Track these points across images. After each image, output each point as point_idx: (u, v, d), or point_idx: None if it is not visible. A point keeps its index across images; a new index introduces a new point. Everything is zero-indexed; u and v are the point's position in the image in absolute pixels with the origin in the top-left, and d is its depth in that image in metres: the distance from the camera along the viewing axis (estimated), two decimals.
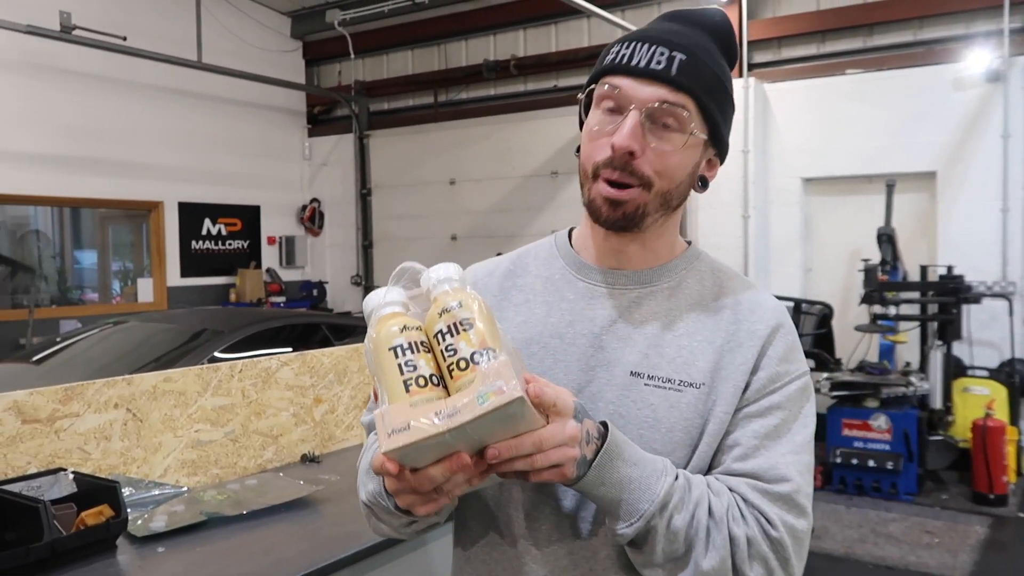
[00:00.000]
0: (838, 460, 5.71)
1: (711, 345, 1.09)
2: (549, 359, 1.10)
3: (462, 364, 0.83)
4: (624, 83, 1.05)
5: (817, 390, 5.94)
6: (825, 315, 5.96)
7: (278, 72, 9.35)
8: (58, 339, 5.55)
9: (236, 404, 2.53)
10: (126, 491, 2.13)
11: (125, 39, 7.46)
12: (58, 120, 7.68)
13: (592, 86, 1.10)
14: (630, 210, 1.07)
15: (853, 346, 6.24)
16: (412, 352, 0.85)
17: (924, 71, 6.63)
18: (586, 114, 1.12)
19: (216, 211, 9.32)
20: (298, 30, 9.91)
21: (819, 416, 6.40)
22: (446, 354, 0.85)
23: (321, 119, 10.26)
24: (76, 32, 6.98)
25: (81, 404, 2.12)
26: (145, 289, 8.91)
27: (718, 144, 1.11)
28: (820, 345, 6.00)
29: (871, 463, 5.60)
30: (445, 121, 9.19)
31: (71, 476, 1.99)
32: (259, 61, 9.18)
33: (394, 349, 0.85)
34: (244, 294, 9.28)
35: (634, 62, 1.05)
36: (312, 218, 10.21)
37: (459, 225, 8.97)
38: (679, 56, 1.04)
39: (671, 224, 1.15)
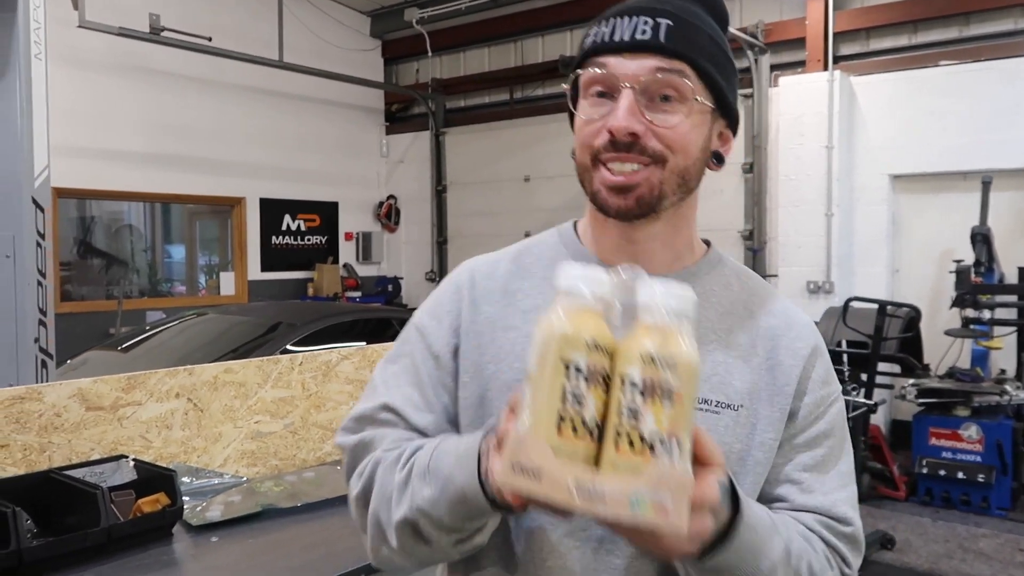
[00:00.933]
0: (924, 471, 5.44)
1: (747, 363, 1.00)
2: None
3: (635, 441, 0.66)
4: (610, 61, 0.94)
5: (902, 397, 5.69)
6: (912, 318, 5.67)
7: (357, 71, 9.49)
8: (147, 327, 5.78)
9: (296, 396, 2.55)
10: (185, 479, 2.16)
11: (211, 39, 7.69)
12: (148, 119, 7.97)
13: (577, 75, 1.00)
14: (644, 192, 0.94)
15: (943, 352, 5.93)
16: (586, 382, 0.68)
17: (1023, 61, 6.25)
18: (575, 108, 1.01)
19: (296, 207, 9.53)
20: (377, 29, 10.04)
21: (904, 424, 6.14)
22: (623, 413, 0.67)
23: (399, 117, 10.38)
24: (164, 34, 7.23)
25: (143, 393, 2.16)
26: (227, 282, 9.18)
27: (727, 113, 1.00)
28: (906, 350, 5.72)
29: (960, 475, 5.31)
30: (520, 118, 9.17)
31: (132, 463, 2.02)
32: (339, 60, 9.33)
33: (569, 365, 0.68)
34: (321, 289, 9.47)
35: (617, 37, 0.94)
36: (388, 214, 10.34)
37: (532, 222, 8.92)
38: (665, 22, 0.93)
39: (689, 214, 1.04)
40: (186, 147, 8.30)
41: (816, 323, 4.97)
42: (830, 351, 5.60)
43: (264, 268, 9.32)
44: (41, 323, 3.11)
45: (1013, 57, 6.31)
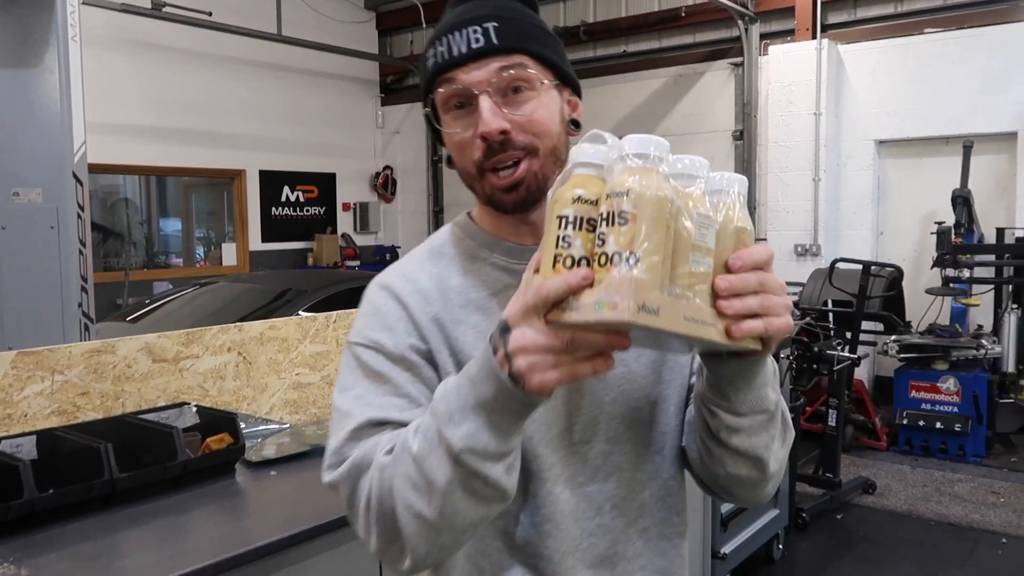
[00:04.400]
0: (904, 422, 5.75)
1: None
2: None
3: (602, 260, 0.78)
4: (458, 75, 1.03)
5: (885, 352, 5.98)
6: (895, 278, 5.94)
7: (352, 43, 9.61)
8: (147, 300, 5.95)
9: (331, 351, 2.79)
10: (240, 424, 2.40)
11: (210, 15, 7.80)
12: (147, 93, 8.08)
13: (431, 100, 1.08)
14: (531, 183, 1.04)
15: (924, 310, 6.22)
16: (574, 228, 0.81)
17: (1007, 29, 6.47)
18: (436, 132, 1.10)
19: (294, 179, 9.69)
20: (372, 1, 10.14)
21: (887, 379, 6.44)
22: (596, 241, 0.80)
23: (394, 88, 10.50)
24: (166, 9, 7.34)
25: (200, 347, 2.40)
26: (229, 253, 9.36)
27: (568, 82, 1.10)
28: (889, 308, 6.00)
29: (938, 425, 5.62)
30: None
31: (194, 409, 2.26)
32: (334, 32, 9.44)
33: (561, 218, 0.82)
34: (321, 258, 9.66)
35: (455, 52, 1.03)
36: (385, 185, 10.51)
37: None
38: (491, 25, 1.03)
39: None
40: (186, 121, 8.43)
41: (803, 285, 5.28)
42: (816, 310, 5.84)
43: (264, 239, 9.50)
44: (83, 289, 3.33)
45: (996, 24, 6.52)
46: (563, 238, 0.81)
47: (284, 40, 8.37)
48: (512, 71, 1.02)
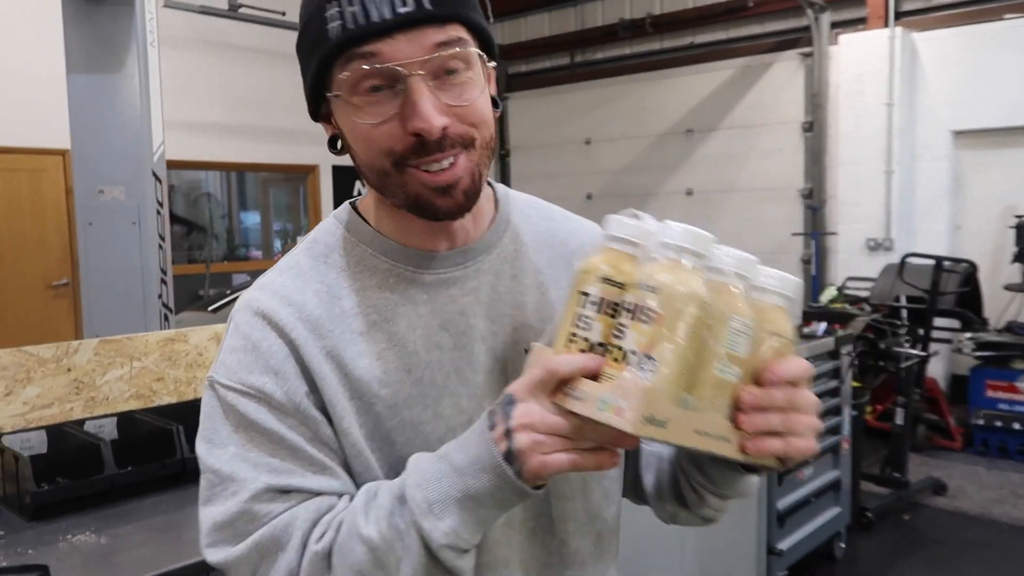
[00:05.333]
0: (981, 422, 5.58)
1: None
2: (454, 386, 0.89)
3: (618, 354, 0.72)
4: (378, 48, 0.78)
5: (959, 350, 5.81)
6: (970, 273, 5.76)
7: None
8: (228, 292, 6.22)
9: None
10: None
11: (284, 14, 8.05)
12: (225, 91, 8.39)
13: (325, 79, 0.84)
14: (467, 183, 0.84)
15: (1003, 307, 6.01)
16: (596, 310, 0.75)
17: None
18: (328, 119, 0.88)
19: None
20: None
21: (961, 377, 6.25)
22: (614, 332, 0.74)
23: None
24: (242, 10, 7.62)
25: None
26: None
27: (491, 52, 0.87)
28: (964, 304, 5.82)
29: (1016, 426, 5.44)
30: (581, 82, 9.33)
31: None
32: None
33: (584, 294, 0.76)
34: None
35: (375, 16, 0.78)
36: None
37: (594, 184, 9.14)
38: None
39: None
40: (262, 118, 8.72)
41: (874, 280, 5.18)
42: (887, 306, 5.70)
43: None
44: (163, 281, 3.52)
45: None
46: (582, 318, 0.76)
47: None
48: (450, 50, 0.80)
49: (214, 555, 0.84)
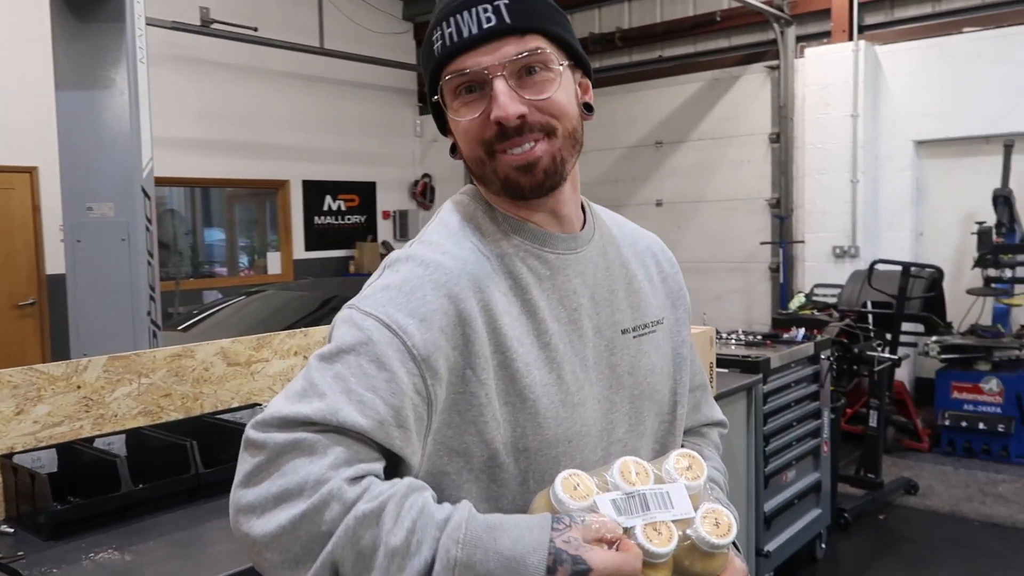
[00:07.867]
0: (947, 423, 5.75)
1: (650, 282, 1.16)
2: (580, 357, 1.03)
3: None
4: (468, 60, 0.97)
5: (925, 353, 5.99)
6: (935, 279, 5.95)
7: (391, 54, 9.81)
8: (194, 311, 6.13)
9: None
10: None
11: (256, 30, 8.05)
12: (194, 107, 8.32)
13: (439, 89, 1.01)
14: (547, 164, 0.98)
15: (966, 310, 6.21)
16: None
17: None
18: (442, 121, 1.04)
19: (336, 188, 9.90)
20: (409, 12, 10.34)
21: (928, 381, 6.44)
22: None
23: None
24: (214, 26, 7.59)
25: (269, 351, 2.55)
26: (273, 262, 9.61)
27: (581, 63, 1.05)
28: (929, 308, 6.00)
29: (981, 426, 5.62)
30: None
31: None
32: (374, 44, 9.66)
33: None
34: (362, 266, 9.85)
35: (465, 34, 0.96)
36: (424, 192, 10.69)
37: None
38: (501, 3, 0.97)
39: (576, 174, 1.09)
40: (232, 133, 8.68)
41: (842, 287, 5.35)
42: (856, 311, 5.86)
43: (308, 247, 9.72)
44: (151, 298, 3.51)
45: None
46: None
47: (326, 53, 8.60)
48: (527, 54, 0.96)
49: (249, 432, 0.86)
